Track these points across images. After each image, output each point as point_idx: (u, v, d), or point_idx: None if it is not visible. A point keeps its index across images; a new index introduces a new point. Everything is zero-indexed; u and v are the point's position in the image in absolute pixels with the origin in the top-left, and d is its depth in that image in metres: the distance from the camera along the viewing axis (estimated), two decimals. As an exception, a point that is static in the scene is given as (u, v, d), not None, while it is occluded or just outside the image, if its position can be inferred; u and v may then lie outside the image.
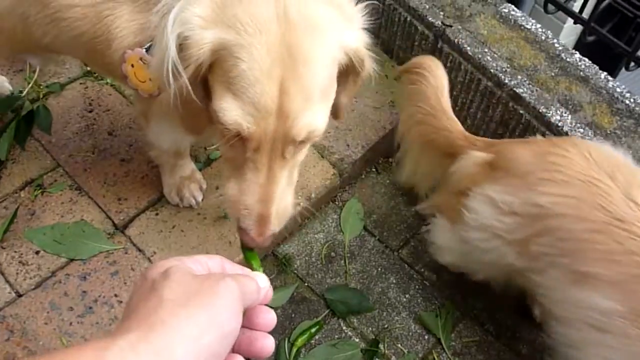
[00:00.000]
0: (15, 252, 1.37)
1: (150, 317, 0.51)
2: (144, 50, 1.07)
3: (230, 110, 0.85)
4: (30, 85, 1.65)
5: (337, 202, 1.65)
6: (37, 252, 1.38)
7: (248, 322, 0.63)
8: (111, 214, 1.45)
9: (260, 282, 0.64)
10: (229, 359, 0.61)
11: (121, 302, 1.33)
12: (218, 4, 0.85)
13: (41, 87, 1.65)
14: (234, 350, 0.62)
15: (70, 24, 1.12)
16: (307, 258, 1.54)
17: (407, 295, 1.51)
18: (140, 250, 1.41)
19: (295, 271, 1.52)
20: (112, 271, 1.37)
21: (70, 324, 1.30)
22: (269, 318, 0.64)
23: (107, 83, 1.68)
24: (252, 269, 0.70)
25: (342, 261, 1.55)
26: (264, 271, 0.71)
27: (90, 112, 1.63)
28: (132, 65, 1.10)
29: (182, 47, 0.85)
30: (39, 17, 1.15)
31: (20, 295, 1.32)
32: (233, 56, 0.84)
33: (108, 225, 1.44)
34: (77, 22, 1.12)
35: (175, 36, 0.85)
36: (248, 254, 0.84)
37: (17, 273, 1.34)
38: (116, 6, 1.09)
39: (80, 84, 1.68)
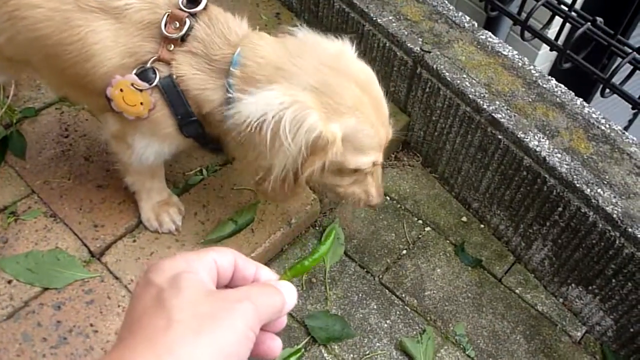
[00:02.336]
0: (-13, 281, 1.33)
1: (158, 342, 0.47)
2: (135, 75, 1.10)
3: (367, 159, 1.17)
4: (3, 110, 1.61)
5: (317, 227, 1.64)
6: (10, 282, 1.34)
7: None
8: (87, 241, 1.42)
9: (287, 297, 0.57)
10: None
11: (97, 331, 1.30)
12: (322, 98, 1.05)
13: (15, 112, 1.62)
14: None
15: (30, 24, 1.11)
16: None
17: (388, 321, 1.50)
18: (117, 278, 1.38)
19: (276, 298, 1.50)
20: (88, 300, 1.34)
21: (44, 355, 1.26)
22: (280, 320, 0.59)
23: (83, 108, 1.66)
24: (283, 276, 0.63)
25: (323, 287, 1.53)
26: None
27: (66, 137, 1.60)
28: (121, 90, 1.11)
29: (312, 146, 1.05)
30: None
31: (-9, 327, 1.28)
32: (358, 131, 1.11)
33: (84, 253, 1.41)
34: (39, 24, 1.11)
35: (305, 142, 1.04)
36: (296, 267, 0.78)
37: (-12, 303, 1.30)
38: (90, 19, 1.09)
39: (56, 109, 1.65)
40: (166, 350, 0.46)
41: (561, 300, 1.60)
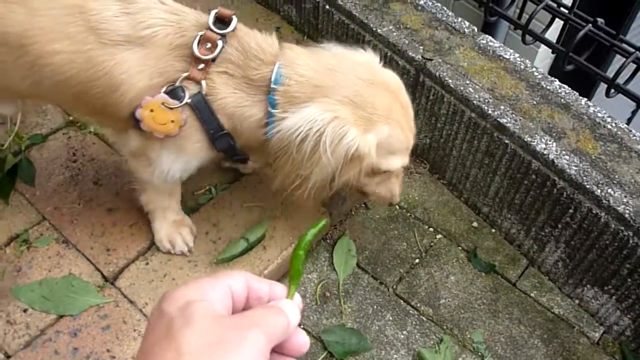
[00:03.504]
0: (2, 311, 1.33)
1: None
2: (165, 93, 1.13)
3: (397, 161, 1.26)
4: (11, 137, 1.62)
5: (328, 240, 1.64)
6: (25, 310, 1.34)
7: (278, 346, 0.56)
8: (100, 266, 1.42)
9: (291, 316, 0.56)
10: None
11: (114, 357, 1.30)
12: (358, 110, 1.13)
13: (23, 139, 1.62)
14: None
15: (55, 69, 1.13)
16: (301, 299, 1.52)
17: (404, 332, 1.49)
18: (131, 302, 1.38)
19: (290, 313, 1.49)
20: (103, 325, 1.34)
21: (62, 383, 1.26)
22: (301, 343, 0.57)
23: (90, 132, 1.67)
24: (289, 289, 0.62)
25: (337, 300, 1.53)
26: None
27: (75, 162, 1.61)
28: (151, 110, 1.13)
29: (350, 158, 1.14)
30: (18, 62, 1.14)
31: (9, 357, 1.28)
32: (390, 137, 1.19)
33: (97, 278, 1.41)
34: (64, 67, 1.13)
35: (344, 155, 1.12)
36: (294, 272, 0.70)
37: (5, 333, 1.30)
38: (115, 52, 1.12)
39: (63, 134, 1.66)
40: None
41: (577, 301, 1.59)
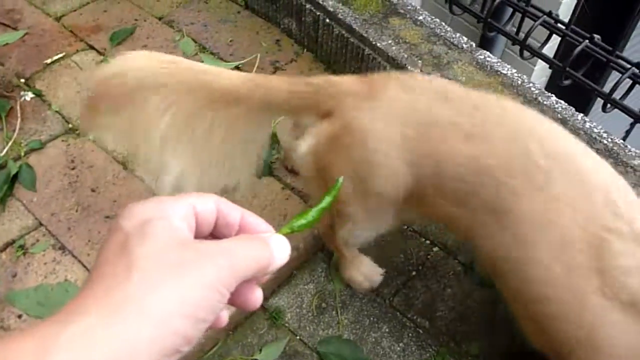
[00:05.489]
0: (-3, 316, 1.33)
1: (115, 291, 0.44)
2: None
3: None
4: (9, 144, 1.62)
5: (325, 252, 1.64)
6: (20, 316, 1.33)
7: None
8: (96, 273, 1.41)
9: (276, 252, 0.52)
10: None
11: (109, 364, 1.29)
12: None
13: (22, 145, 1.63)
14: None
15: (529, 277, 1.00)
16: (297, 310, 1.52)
17: (401, 344, 1.49)
18: (127, 309, 1.37)
19: (287, 324, 1.49)
20: (99, 332, 1.33)
21: (56, 390, 1.24)
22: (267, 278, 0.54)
23: (89, 139, 1.67)
24: (281, 230, 0.56)
25: (334, 312, 1.53)
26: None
27: (73, 169, 1.61)
28: None
29: None
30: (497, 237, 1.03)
31: (2, 363, 1.26)
32: None
33: (93, 285, 1.40)
34: (545, 289, 0.98)
35: None
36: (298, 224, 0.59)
37: (-2, 339, 1.29)
38: (607, 308, 0.94)
39: (62, 141, 1.66)
40: (123, 300, 0.43)
41: (573, 316, 1.59)
